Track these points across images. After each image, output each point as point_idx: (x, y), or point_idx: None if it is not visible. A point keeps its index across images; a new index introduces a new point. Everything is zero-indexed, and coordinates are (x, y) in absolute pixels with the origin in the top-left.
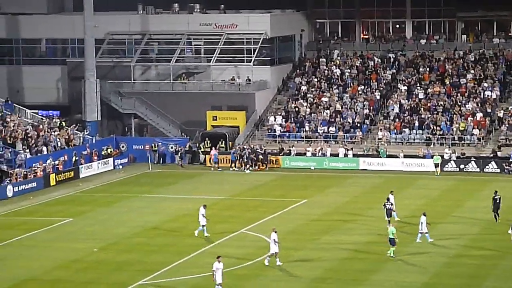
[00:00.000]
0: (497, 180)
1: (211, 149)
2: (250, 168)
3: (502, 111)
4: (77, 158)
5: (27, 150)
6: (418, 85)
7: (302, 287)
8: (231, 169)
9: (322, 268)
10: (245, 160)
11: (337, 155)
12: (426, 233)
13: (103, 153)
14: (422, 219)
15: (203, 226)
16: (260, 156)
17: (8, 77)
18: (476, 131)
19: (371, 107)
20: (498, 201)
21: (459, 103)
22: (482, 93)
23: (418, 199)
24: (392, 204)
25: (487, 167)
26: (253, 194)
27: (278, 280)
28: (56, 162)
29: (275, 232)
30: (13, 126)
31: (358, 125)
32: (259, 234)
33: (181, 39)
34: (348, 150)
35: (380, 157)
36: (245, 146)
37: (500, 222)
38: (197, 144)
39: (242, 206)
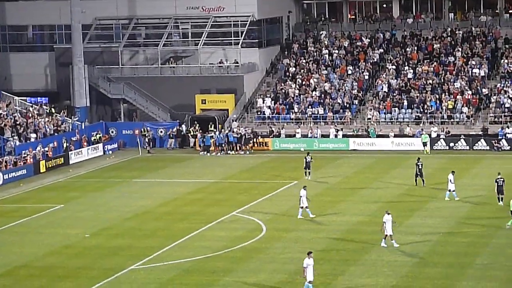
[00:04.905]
0: (487, 158)
1: (200, 133)
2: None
3: (490, 89)
4: (67, 144)
5: (16, 137)
6: (406, 64)
7: (295, 268)
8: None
9: (315, 249)
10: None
11: (327, 136)
12: None
13: (92, 139)
14: None
15: (305, 207)
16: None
17: None
18: (465, 109)
19: (360, 88)
20: (420, 167)
21: (448, 82)
22: (470, 71)
23: (410, 178)
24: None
25: (476, 144)
26: (244, 177)
27: (270, 261)
28: (46, 148)
29: (389, 214)
30: (2, 114)
31: (347, 105)
32: (251, 217)
33: (168, 23)
34: (338, 130)
35: (370, 137)
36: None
37: (491, 202)
38: (187, 128)
39: (233, 188)
